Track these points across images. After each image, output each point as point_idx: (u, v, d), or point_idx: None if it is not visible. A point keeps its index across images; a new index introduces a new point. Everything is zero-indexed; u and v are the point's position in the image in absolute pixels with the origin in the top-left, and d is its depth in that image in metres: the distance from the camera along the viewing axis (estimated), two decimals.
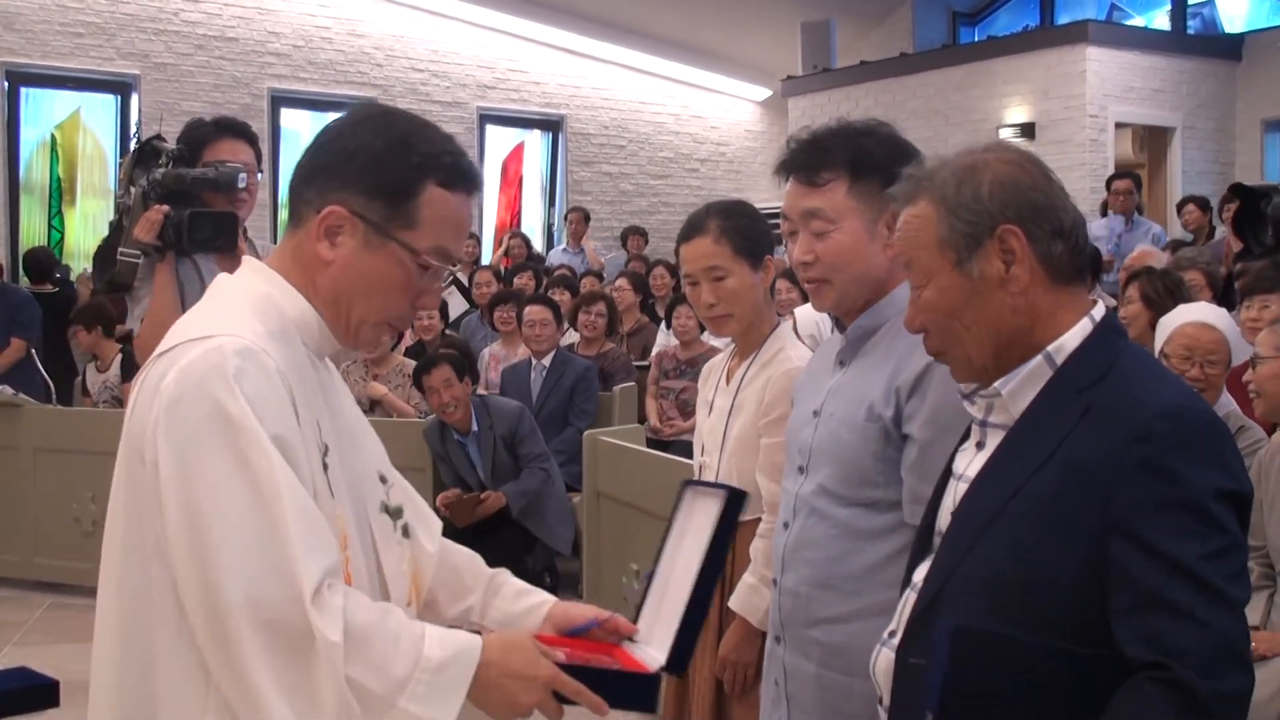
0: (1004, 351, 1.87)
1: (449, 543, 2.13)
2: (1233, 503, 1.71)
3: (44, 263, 10.62)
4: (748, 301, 3.10)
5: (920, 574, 1.97)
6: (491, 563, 2.15)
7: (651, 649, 2.00)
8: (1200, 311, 4.10)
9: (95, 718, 1.77)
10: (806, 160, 2.49)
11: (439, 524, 2.14)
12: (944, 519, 1.97)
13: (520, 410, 6.69)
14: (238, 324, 1.73)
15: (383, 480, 2.01)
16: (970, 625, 1.71)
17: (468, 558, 2.15)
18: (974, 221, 1.84)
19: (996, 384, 1.88)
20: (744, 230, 3.09)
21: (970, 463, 1.95)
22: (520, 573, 2.24)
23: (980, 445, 1.95)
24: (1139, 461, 1.70)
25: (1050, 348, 1.85)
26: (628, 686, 1.90)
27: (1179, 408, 1.73)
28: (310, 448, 1.73)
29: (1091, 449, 1.74)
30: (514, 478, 6.52)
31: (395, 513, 2.00)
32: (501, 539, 6.20)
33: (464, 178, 1.86)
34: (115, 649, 1.75)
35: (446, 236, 1.84)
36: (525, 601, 2.08)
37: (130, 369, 8.28)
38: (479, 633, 1.84)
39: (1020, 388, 1.86)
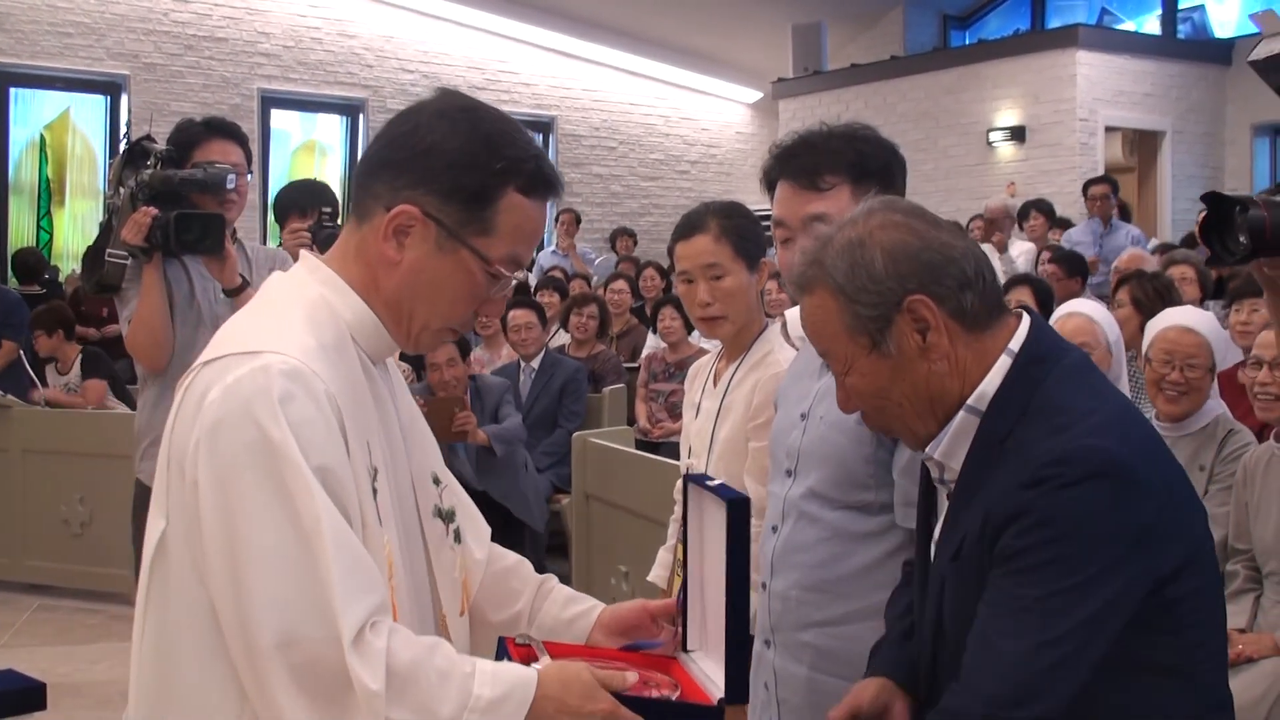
0: (942, 414, 1.82)
1: (496, 547, 2.07)
2: (1129, 537, 1.64)
3: (32, 264, 10.60)
4: (743, 303, 3.10)
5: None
6: None
7: (709, 662, 1.96)
8: (1183, 315, 4.10)
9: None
10: (806, 164, 2.44)
11: (488, 528, 2.08)
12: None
13: (506, 385, 6.81)
14: (289, 339, 1.65)
15: (436, 482, 1.95)
16: None
17: (516, 562, 2.09)
18: (877, 303, 1.78)
19: (928, 449, 1.84)
20: (743, 231, 3.08)
21: (942, 516, 1.94)
22: None
23: (949, 497, 1.92)
24: (1019, 505, 1.66)
25: (971, 399, 1.79)
26: (690, 718, 1.86)
27: (1067, 452, 1.65)
28: (359, 474, 1.66)
29: (996, 502, 1.70)
30: (499, 466, 6.48)
31: (448, 516, 1.94)
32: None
33: (547, 185, 1.76)
34: (151, 658, 1.70)
35: (521, 245, 1.75)
36: (575, 608, 2.02)
37: (93, 367, 8.29)
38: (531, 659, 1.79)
39: (950, 447, 1.82)
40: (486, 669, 1.63)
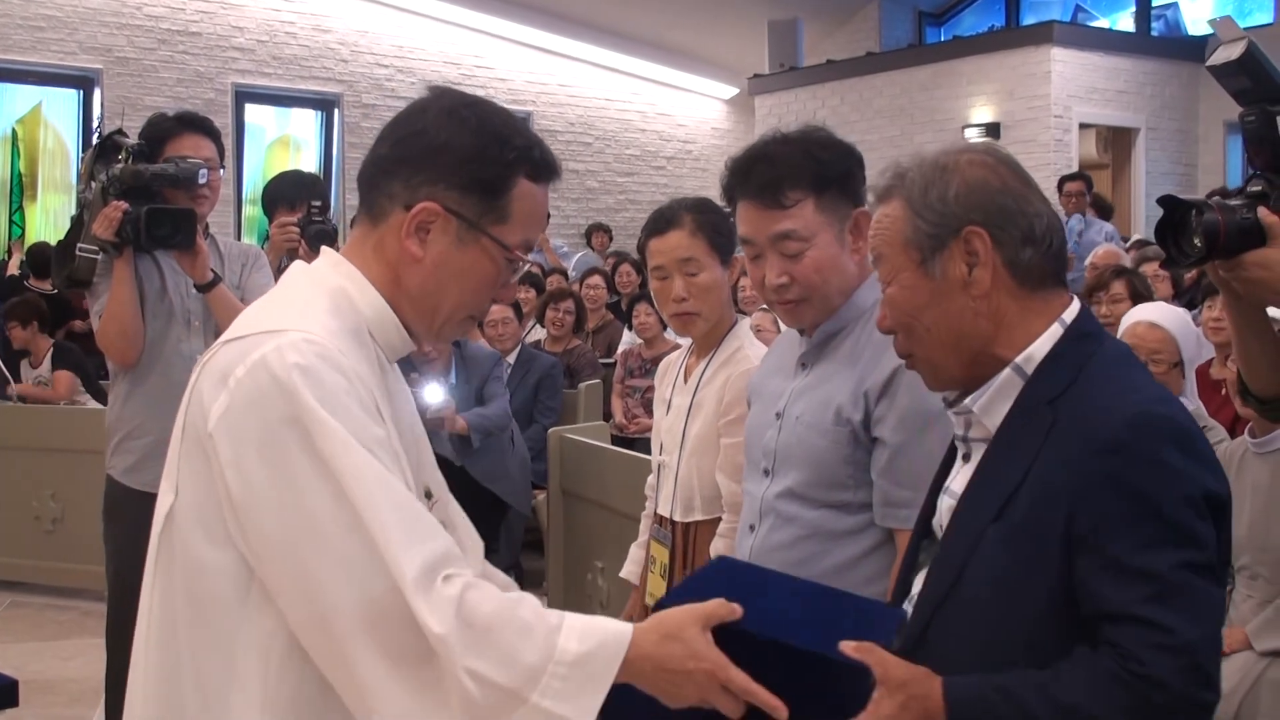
0: (971, 359, 1.85)
1: (489, 566, 2.06)
2: (1206, 505, 1.69)
3: (48, 259, 10.48)
4: (717, 298, 3.10)
5: (918, 584, 1.96)
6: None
7: None
8: (1150, 311, 4.12)
9: (130, 704, 1.74)
10: (767, 181, 2.41)
11: (481, 544, 2.08)
12: (937, 530, 1.96)
13: (496, 357, 6.44)
14: (313, 319, 1.68)
15: (428, 495, 1.94)
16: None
17: (504, 583, 2.05)
18: (939, 223, 1.83)
19: (968, 400, 1.87)
20: (717, 226, 3.08)
21: (956, 476, 1.94)
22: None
23: (966, 458, 1.93)
24: (1103, 476, 1.67)
25: (1019, 359, 1.83)
26: (842, 678, 1.66)
27: (1144, 415, 1.69)
28: (396, 447, 1.69)
29: (1057, 467, 1.72)
30: (480, 445, 6.14)
31: None
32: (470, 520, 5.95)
33: (551, 169, 1.84)
34: (159, 626, 1.70)
35: (533, 229, 1.83)
36: None
37: (62, 360, 8.25)
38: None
39: (992, 402, 1.84)
40: (576, 623, 1.60)
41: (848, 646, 1.66)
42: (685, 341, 3.38)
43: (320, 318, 1.69)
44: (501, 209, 1.77)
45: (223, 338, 1.71)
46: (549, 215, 9.91)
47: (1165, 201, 2.14)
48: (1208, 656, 1.66)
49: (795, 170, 2.40)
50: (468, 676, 1.52)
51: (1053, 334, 1.83)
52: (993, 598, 1.75)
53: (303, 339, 1.63)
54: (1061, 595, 1.70)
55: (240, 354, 1.64)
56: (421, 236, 1.76)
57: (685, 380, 3.21)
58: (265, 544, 1.59)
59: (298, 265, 1.87)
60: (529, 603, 1.62)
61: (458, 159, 1.75)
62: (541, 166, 1.81)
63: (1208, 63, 2.18)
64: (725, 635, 1.62)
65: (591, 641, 1.58)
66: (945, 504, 1.93)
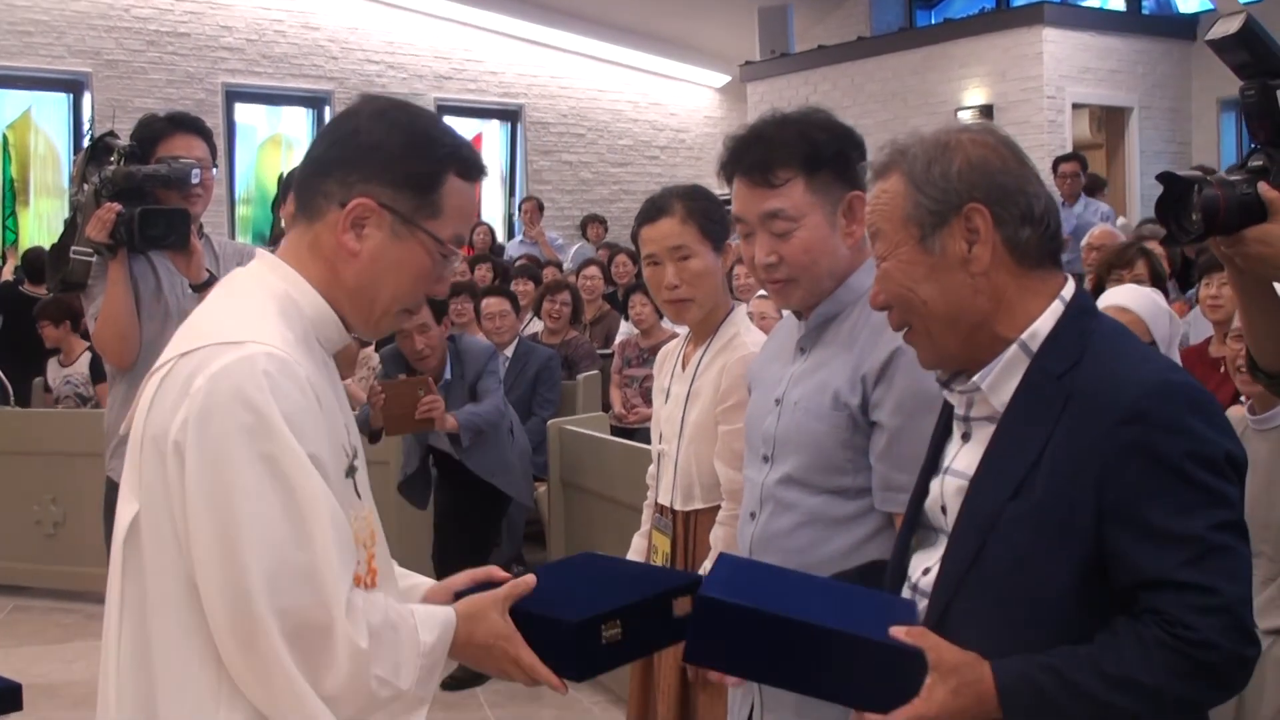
0: (968, 336, 1.86)
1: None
2: (1228, 466, 1.72)
3: (43, 264, 10.46)
4: (710, 284, 3.10)
5: (916, 570, 1.96)
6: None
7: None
8: (1118, 295, 4.10)
9: (103, 707, 1.80)
10: (758, 160, 2.43)
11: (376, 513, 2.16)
12: (934, 513, 1.96)
13: (491, 350, 6.25)
14: (268, 330, 1.75)
15: (354, 457, 2.01)
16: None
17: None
18: (941, 199, 1.84)
19: (975, 378, 1.87)
20: (708, 213, 3.08)
21: (957, 455, 1.94)
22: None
23: (966, 437, 1.93)
24: (1128, 445, 1.69)
25: (1024, 336, 1.84)
26: (895, 663, 1.77)
27: (1165, 384, 1.72)
28: (338, 454, 1.78)
29: (1079, 440, 1.73)
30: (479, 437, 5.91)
31: None
32: (472, 514, 5.86)
33: (478, 169, 1.93)
34: (131, 638, 1.77)
35: (463, 223, 1.91)
36: (405, 582, 2.10)
37: (100, 371, 8.22)
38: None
39: (999, 380, 1.85)
40: (421, 614, 1.83)
41: (898, 631, 1.73)
42: (683, 330, 3.38)
43: (275, 326, 1.77)
44: (433, 204, 1.85)
45: (176, 349, 1.77)
46: (540, 208, 9.87)
47: (1164, 178, 2.13)
48: (1246, 612, 1.68)
49: (787, 150, 2.41)
50: (375, 681, 1.71)
51: (1054, 311, 1.85)
52: (1016, 577, 1.76)
53: (264, 352, 1.70)
54: (1090, 570, 1.71)
55: (199, 364, 1.70)
56: (357, 231, 1.83)
57: (683, 368, 3.21)
58: (209, 545, 1.66)
59: (237, 271, 1.94)
60: (390, 604, 1.80)
61: (390, 157, 1.83)
62: (470, 165, 1.90)
63: (1207, 37, 2.17)
64: (797, 629, 1.74)
65: (436, 630, 1.82)
66: (950, 485, 1.92)
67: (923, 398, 2.24)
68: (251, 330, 1.73)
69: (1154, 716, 1.68)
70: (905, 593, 1.98)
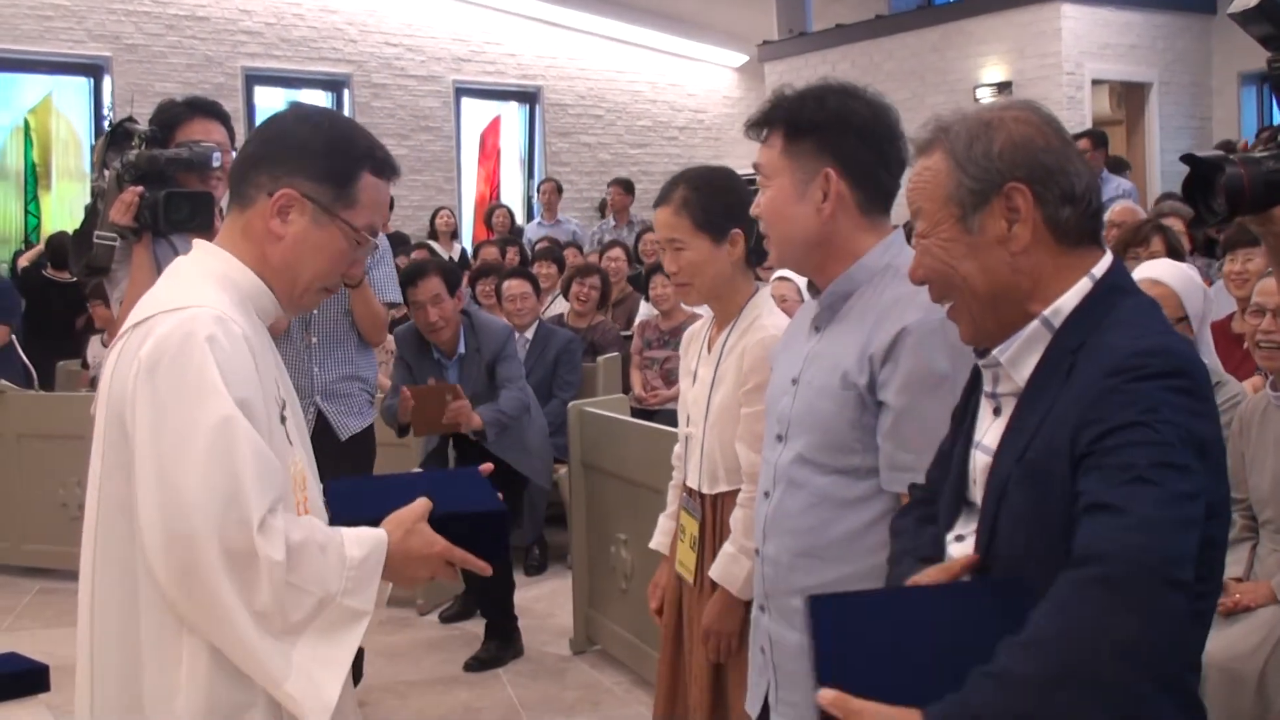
0: (1005, 313, 1.87)
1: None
2: (1196, 447, 1.64)
3: (67, 250, 10.51)
4: (707, 274, 3.11)
5: (951, 538, 1.97)
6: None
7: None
8: (1152, 268, 4.09)
9: (82, 673, 2.01)
10: (759, 116, 2.50)
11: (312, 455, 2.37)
12: (970, 487, 1.96)
13: (508, 331, 6.25)
14: (207, 295, 2.01)
15: (284, 407, 2.24)
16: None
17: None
18: (982, 178, 1.84)
19: (995, 352, 1.88)
20: (707, 204, 3.08)
21: (988, 430, 1.95)
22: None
23: (997, 412, 1.94)
24: (1104, 390, 1.67)
25: (1047, 311, 1.84)
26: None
27: (1154, 346, 1.69)
28: (270, 404, 2.03)
29: (1068, 399, 1.72)
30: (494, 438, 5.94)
31: None
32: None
33: (391, 168, 2.21)
34: (99, 608, 1.99)
35: (376, 215, 2.19)
36: None
37: None
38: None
39: (1019, 354, 1.86)
40: (350, 534, 2.03)
41: (826, 696, 1.59)
42: (702, 310, 3.39)
43: (214, 293, 2.03)
44: (350, 196, 2.13)
45: (129, 323, 2.02)
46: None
47: (1188, 160, 2.11)
48: (1169, 536, 1.57)
49: (785, 110, 2.46)
50: (292, 591, 1.91)
51: (1081, 288, 1.84)
52: (1020, 541, 1.76)
53: (204, 312, 1.96)
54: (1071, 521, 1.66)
55: (147, 331, 1.96)
56: (283, 217, 2.10)
57: (709, 351, 3.22)
58: (149, 471, 1.89)
59: (178, 259, 2.20)
60: (318, 525, 2.02)
61: (314, 154, 2.11)
62: (383, 164, 2.19)
63: (1229, 10, 2.15)
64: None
65: (366, 546, 2.03)
66: (979, 460, 1.93)
67: (929, 378, 2.26)
68: (193, 297, 2.00)
69: (1091, 670, 1.52)
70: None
